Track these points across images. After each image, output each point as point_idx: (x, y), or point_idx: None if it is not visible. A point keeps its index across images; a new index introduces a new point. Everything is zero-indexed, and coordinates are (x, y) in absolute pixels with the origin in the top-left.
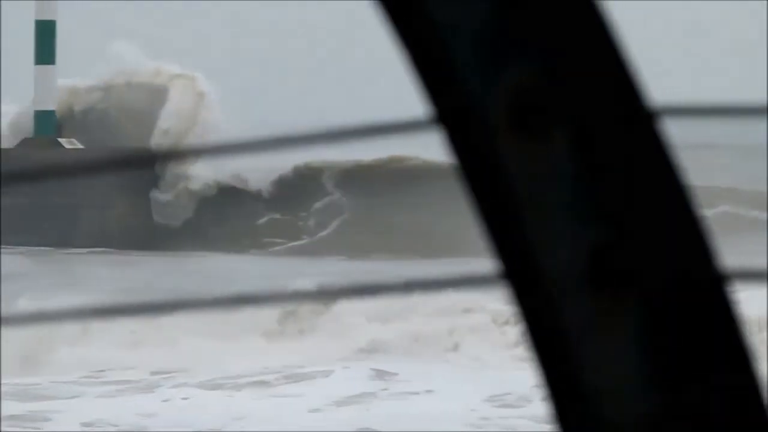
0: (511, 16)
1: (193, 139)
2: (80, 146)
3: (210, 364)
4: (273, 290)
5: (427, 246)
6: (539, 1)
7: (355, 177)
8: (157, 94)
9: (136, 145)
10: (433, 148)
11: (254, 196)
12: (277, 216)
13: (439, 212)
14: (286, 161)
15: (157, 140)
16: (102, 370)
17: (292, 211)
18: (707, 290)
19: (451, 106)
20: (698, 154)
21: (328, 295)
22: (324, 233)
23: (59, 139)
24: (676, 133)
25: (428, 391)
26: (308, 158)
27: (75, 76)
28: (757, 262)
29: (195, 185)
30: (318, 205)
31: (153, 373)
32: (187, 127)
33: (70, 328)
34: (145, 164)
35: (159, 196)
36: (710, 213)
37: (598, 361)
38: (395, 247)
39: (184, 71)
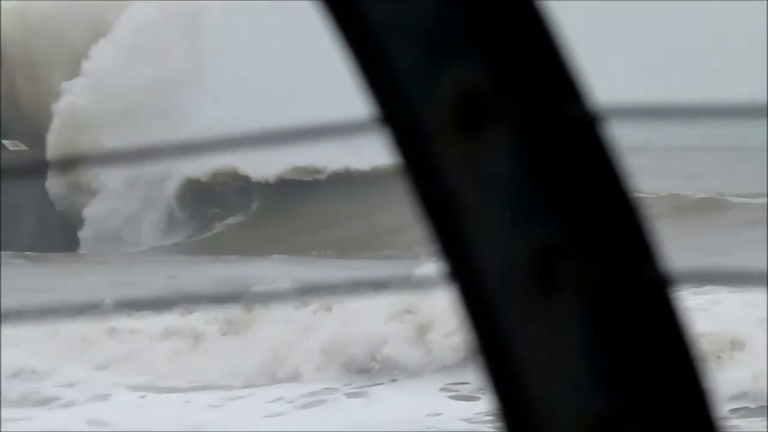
0: (451, 16)
1: (161, 98)
2: (24, 148)
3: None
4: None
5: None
6: (480, 0)
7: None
8: (106, 18)
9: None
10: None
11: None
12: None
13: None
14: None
15: (70, 102)
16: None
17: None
18: (652, 292)
19: (393, 106)
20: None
21: (283, 295)
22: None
23: (3, 141)
24: (620, 134)
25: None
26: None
27: None
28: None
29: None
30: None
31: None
32: (155, 74)
33: None
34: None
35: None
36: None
37: (543, 362)
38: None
39: None
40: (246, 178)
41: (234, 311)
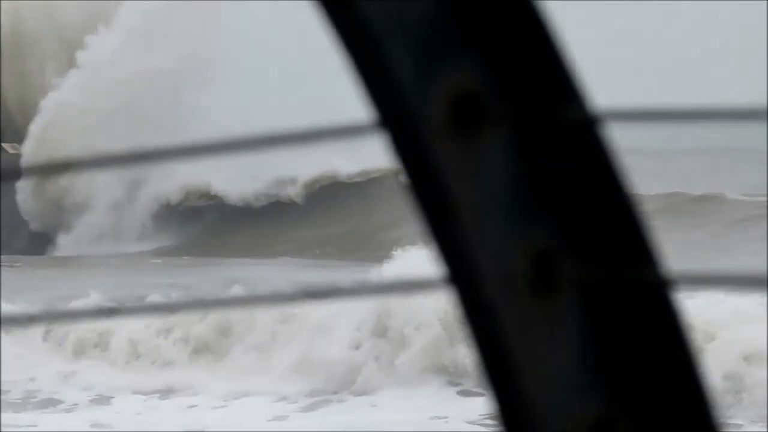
0: (448, 17)
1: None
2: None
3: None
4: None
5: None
6: (477, 0)
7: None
8: (106, 6)
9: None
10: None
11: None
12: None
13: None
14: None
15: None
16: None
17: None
18: (650, 294)
19: (391, 107)
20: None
21: (284, 298)
22: None
23: (2, 144)
24: (618, 136)
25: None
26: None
27: None
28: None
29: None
30: None
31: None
32: (159, 66)
33: None
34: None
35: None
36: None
37: (539, 364)
38: None
39: None
40: (219, 198)
41: (207, 335)
